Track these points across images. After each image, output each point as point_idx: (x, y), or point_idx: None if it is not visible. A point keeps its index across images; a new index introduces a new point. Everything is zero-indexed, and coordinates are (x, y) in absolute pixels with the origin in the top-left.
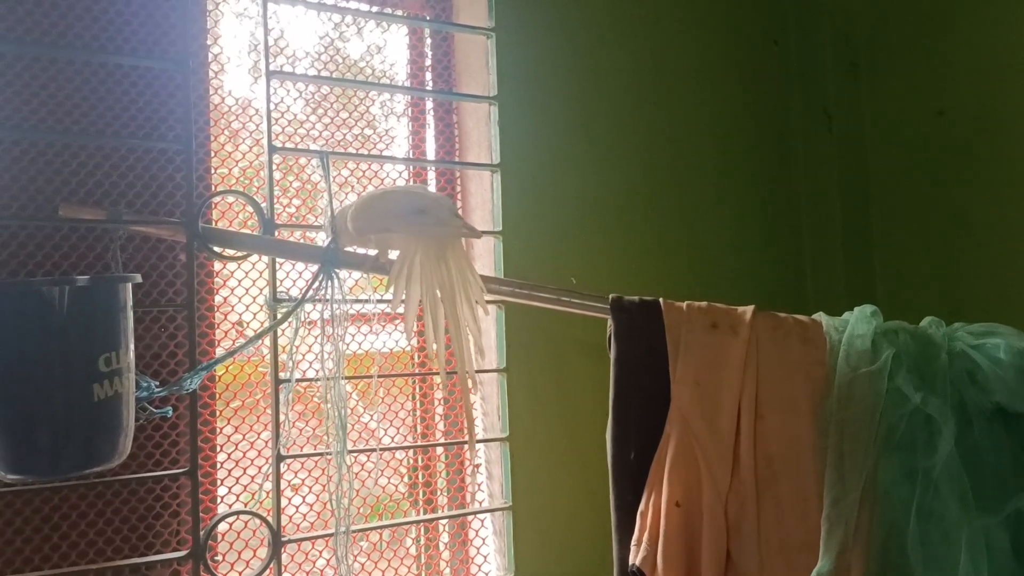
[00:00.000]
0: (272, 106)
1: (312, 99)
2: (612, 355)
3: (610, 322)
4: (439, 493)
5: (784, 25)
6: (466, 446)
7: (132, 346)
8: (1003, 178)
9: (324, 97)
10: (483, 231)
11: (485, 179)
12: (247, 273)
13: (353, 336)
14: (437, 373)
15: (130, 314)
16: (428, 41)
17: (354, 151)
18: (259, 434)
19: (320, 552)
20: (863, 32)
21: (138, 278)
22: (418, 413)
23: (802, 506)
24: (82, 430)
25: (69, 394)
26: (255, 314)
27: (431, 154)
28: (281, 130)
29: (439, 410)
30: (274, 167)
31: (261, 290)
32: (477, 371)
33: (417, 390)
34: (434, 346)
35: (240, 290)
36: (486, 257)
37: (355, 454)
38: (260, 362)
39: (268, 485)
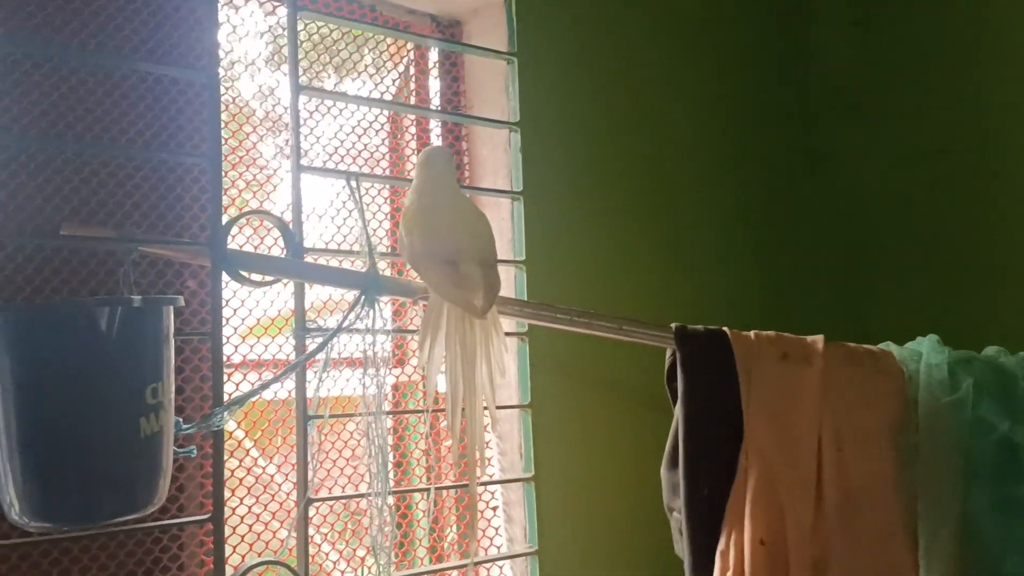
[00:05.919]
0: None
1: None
2: (680, 388)
3: (669, 353)
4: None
5: (777, 66)
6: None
7: (172, 377)
8: (998, 218)
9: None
10: (506, 259)
11: (503, 207)
12: (272, 300)
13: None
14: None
15: (172, 342)
16: (434, 68)
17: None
18: (287, 475)
19: None
20: (855, 73)
21: (181, 301)
22: (432, 452)
23: (887, 540)
24: (123, 471)
25: (114, 429)
26: (281, 346)
27: None
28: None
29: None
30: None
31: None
32: (498, 407)
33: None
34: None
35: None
36: (505, 287)
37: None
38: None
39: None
